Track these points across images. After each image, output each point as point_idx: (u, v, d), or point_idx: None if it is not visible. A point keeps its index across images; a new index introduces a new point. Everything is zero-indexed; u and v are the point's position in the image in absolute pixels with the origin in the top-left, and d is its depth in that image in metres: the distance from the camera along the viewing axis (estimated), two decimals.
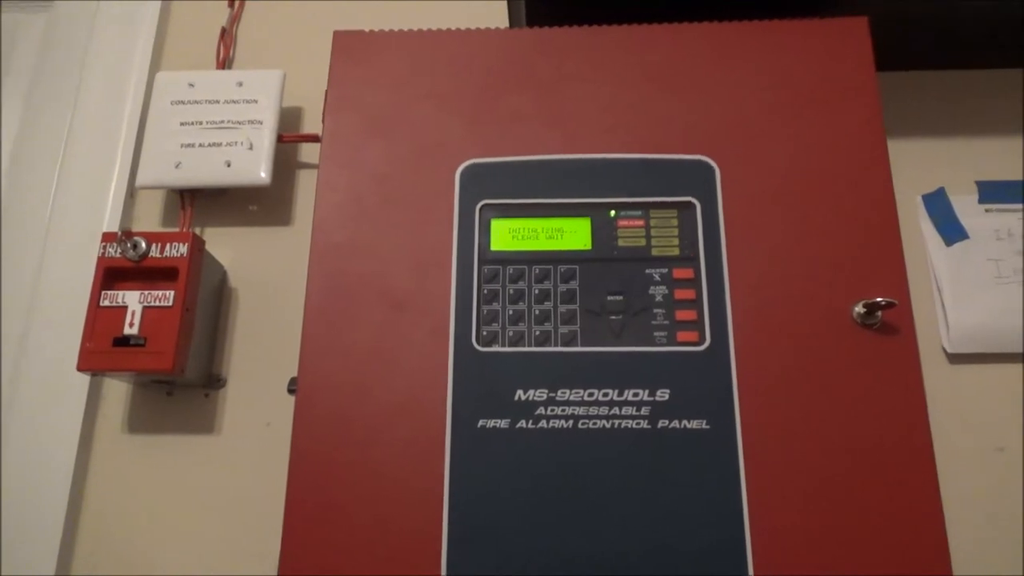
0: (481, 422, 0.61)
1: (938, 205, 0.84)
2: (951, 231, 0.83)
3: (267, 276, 0.86)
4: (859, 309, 0.62)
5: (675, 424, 0.61)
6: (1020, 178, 0.85)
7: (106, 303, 0.75)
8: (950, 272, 0.81)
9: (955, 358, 0.79)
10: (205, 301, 0.81)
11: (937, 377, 0.79)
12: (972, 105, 0.89)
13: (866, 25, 0.71)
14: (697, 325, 0.63)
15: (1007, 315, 0.79)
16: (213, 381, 0.82)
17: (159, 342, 0.73)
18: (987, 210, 0.84)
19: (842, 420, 0.61)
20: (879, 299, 0.61)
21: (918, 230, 0.85)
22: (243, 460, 0.80)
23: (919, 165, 0.87)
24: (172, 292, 0.75)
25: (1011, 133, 0.88)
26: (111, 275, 0.76)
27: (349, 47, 0.75)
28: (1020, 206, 0.84)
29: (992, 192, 0.84)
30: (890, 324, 0.63)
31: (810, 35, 0.72)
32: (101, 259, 0.76)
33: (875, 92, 0.69)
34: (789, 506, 0.58)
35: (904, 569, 0.57)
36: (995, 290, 0.80)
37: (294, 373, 0.65)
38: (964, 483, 0.75)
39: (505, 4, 0.83)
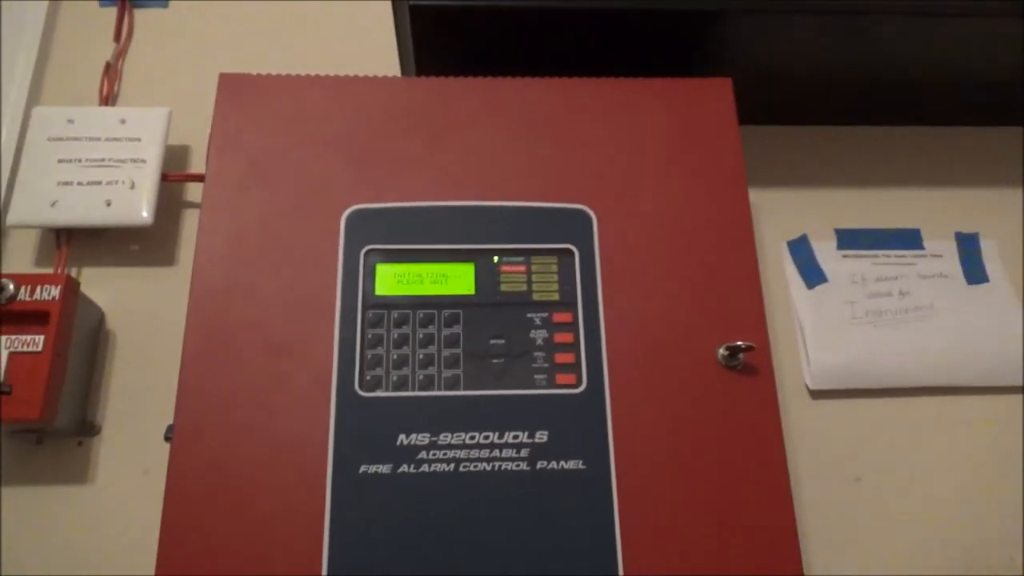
0: (363, 468, 0.62)
1: (801, 251, 0.91)
2: (812, 275, 0.89)
3: (148, 318, 0.84)
4: (723, 351, 0.66)
5: (553, 465, 0.63)
6: (873, 226, 0.93)
7: None
8: (811, 313, 0.87)
9: (816, 394, 0.85)
10: (79, 345, 0.78)
11: (800, 412, 0.84)
12: (834, 158, 0.97)
13: (730, 85, 0.77)
14: (575, 368, 0.66)
15: (860, 354, 0.85)
16: (87, 428, 0.79)
17: (26, 390, 0.70)
18: (844, 255, 0.91)
19: (708, 456, 0.64)
20: (740, 343, 0.65)
21: (784, 274, 0.91)
22: (119, 510, 0.77)
23: (786, 214, 0.93)
24: (42, 337, 0.72)
25: (867, 185, 0.96)
26: None
27: (235, 89, 0.75)
28: (873, 252, 0.91)
29: (849, 239, 0.92)
30: (751, 365, 0.67)
31: (679, 93, 0.77)
32: None
33: (738, 148, 0.75)
34: (659, 540, 0.61)
35: None
36: (850, 330, 0.86)
37: (172, 419, 0.64)
38: (824, 509, 0.80)
39: (396, 52, 0.85)
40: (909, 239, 0.92)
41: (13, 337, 0.72)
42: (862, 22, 0.81)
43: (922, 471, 0.83)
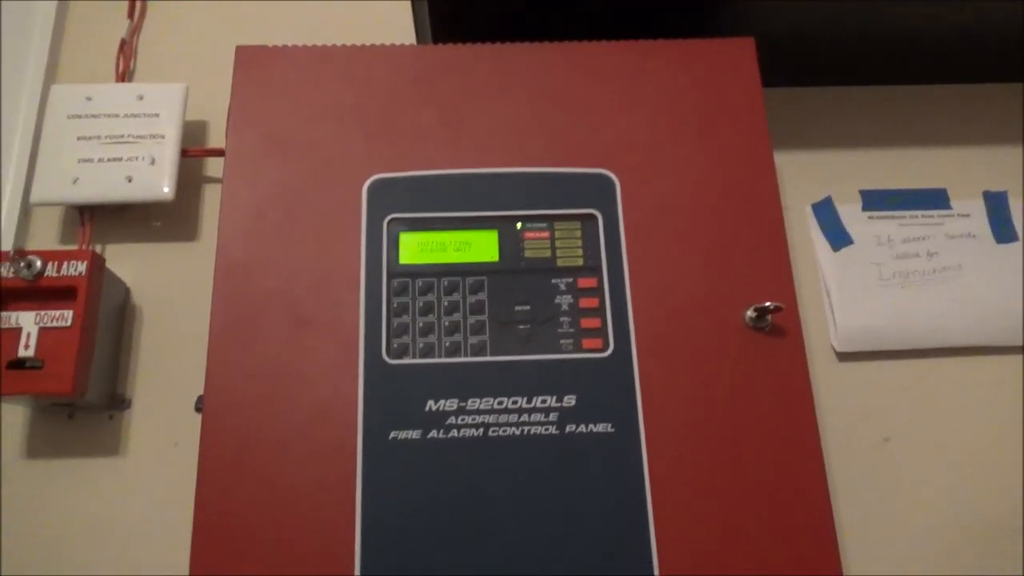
0: (392, 434, 0.62)
1: (826, 213, 0.90)
2: (837, 237, 0.88)
3: (172, 293, 0.84)
4: (750, 313, 0.66)
5: (582, 428, 0.63)
6: (899, 187, 0.92)
7: None
8: (837, 276, 0.86)
9: (843, 356, 0.84)
10: (107, 320, 0.78)
11: (827, 374, 0.84)
12: (858, 119, 0.95)
13: (752, 45, 0.76)
14: (601, 332, 0.66)
15: (888, 315, 0.84)
16: (117, 402, 0.80)
17: (58, 364, 0.71)
18: (870, 217, 0.90)
19: (737, 417, 0.64)
20: (768, 304, 0.65)
21: (809, 237, 0.90)
22: (150, 482, 0.78)
23: (811, 176, 0.92)
24: (70, 312, 0.72)
25: (892, 145, 0.94)
26: (4, 296, 0.73)
27: (252, 62, 0.75)
28: (899, 213, 0.90)
29: (874, 200, 0.90)
30: (779, 327, 0.67)
31: (701, 54, 0.76)
32: None
33: (761, 108, 0.74)
34: (690, 500, 0.61)
35: (796, 551, 0.60)
36: (877, 292, 0.85)
37: (201, 391, 0.64)
38: (855, 470, 0.80)
39: (411, 20, 0.84)
40: (936, 199, 0.91)
41: (42, 313, 0.72)
42: None
43: (950, 431, 0.83)
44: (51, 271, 0.73)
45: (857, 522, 0.78)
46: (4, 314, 0.72)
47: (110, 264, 0.80)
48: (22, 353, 0.71)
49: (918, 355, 0.85)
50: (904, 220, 0.90)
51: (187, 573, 0.58)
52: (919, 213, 0.90)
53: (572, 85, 0.75)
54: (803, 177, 0.92)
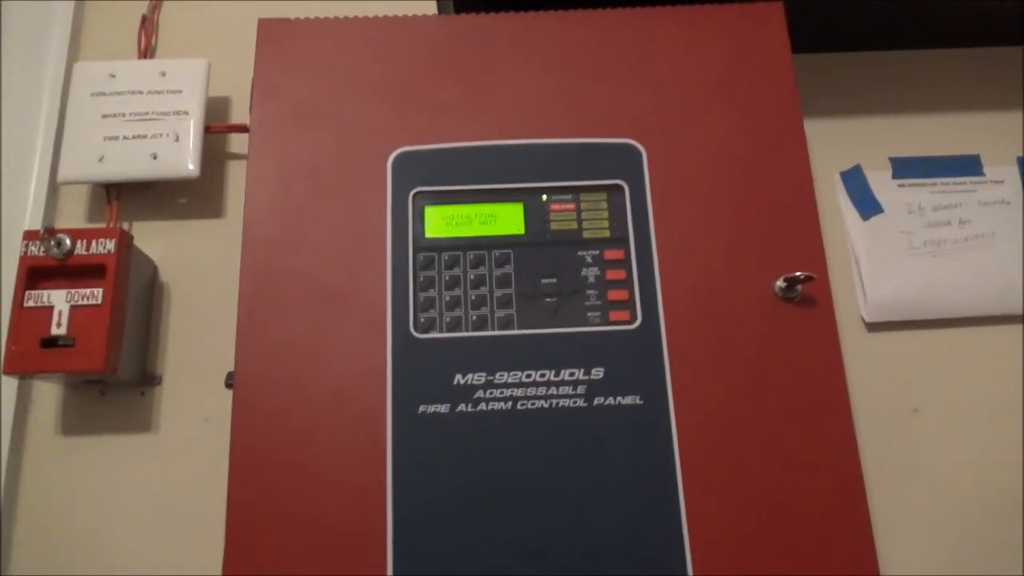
0: (422, 408, 0.62)
1: (855, 181, 0.88)
2: (867, 206, 0.87)
3: (200, 270, 0.85)
4: (780, 284, 0.65)
5: (610, 401, 0.63)
6: (930, 154, 0.90)
7: (31, 303, 0.73)
8: (866, 245, 0.85)
9: (873, 327, 0.83)
10: (136, 297, 0.79)
11: (856, 345, 0.83)
12: (887, 85, 0.93)
13: (781, 11, 0.74)
14: (628, 305, 0.65)
15: (919, 285, 0.83)
16: (148, 379, 0.80)
17: (89, 341, 0.72)
18: (900, 185, 0.88)
19: (767, 390, 0.64)
20: (798, 274, 0.64)
21: (837, 206, 0.88)
22: (182, 458, 0.79)
23: (838, 144, 0.90)
24: (100, 290, 0.73)
25: (922, 112, 0.92)
26: (35, 274, 0.74)
27: (274, 36, 0.74)
28: (930, 180, 0.88)
29: (904, 168, 0.89)
30: (809, 297, 0.66)
31: (728, 21, 0.74)
32: (24, 258, 0.74)
33: (791, 76, 0.72)
34: (719, 473, 0.61)
35: (827, 524, 0.60)
36: (908, 261, 0.84)
37: (231, 367, 0.64)
38: (884, 441, 0.80)
39: None
40: (968, 165, 0.89)
41: (73, 291, 0.73)
42: None
43: (981, 401, 0.82)
44: (80, 249, 0.74)
45: (886, 493, 0.78)
46: (35, 292, 0.73)
47: (137, 241, 0.80)
48: (54, 331, 0.72)
49: (949, 324, 0.84)
50: (935, 187, 0.88)
51: (221, 548, 0.59)
52: (951, 180, 0.89)
53: (596, 53, 0.73)
54: (831, 145, 0.90)
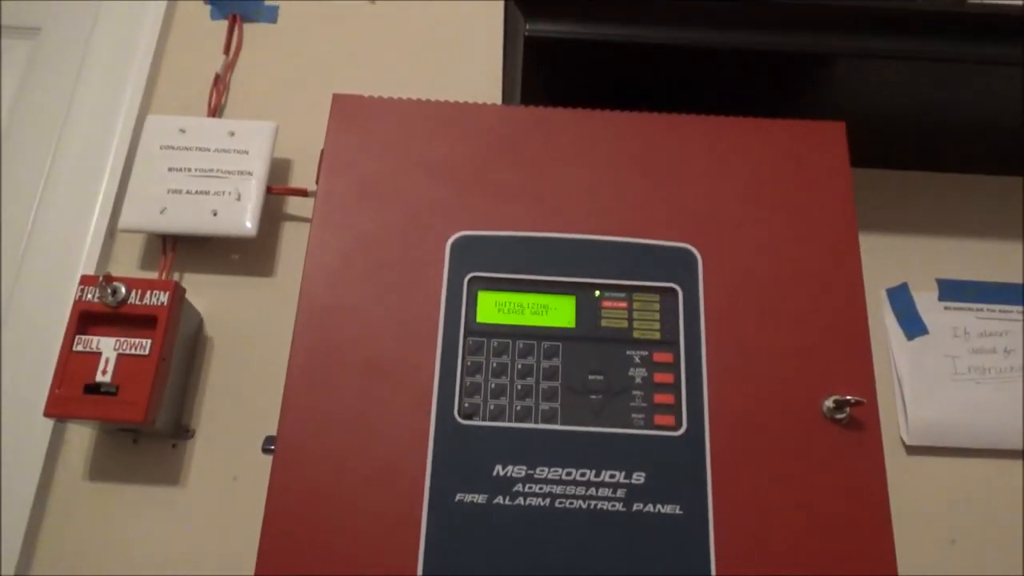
0: (459, 496, 0.62)
1: (901, 300, 0.88)
2: (912, 325, 0.87)
3: (244, 327, 0.86)
4: (829, 404, 0.65)
5: (649, 508, 0.62)
6: (978, 278, 0.90)
7: (79, 348, 0.74)
8: (910, 366, 0.84)
9: (912, 450, 0.82)
10: (179, 349, 0.80)
11: (894, 467, 0.81)
12: (937, 205, 0.94)
13: (843, 130, 0.75)
14: (674, 409, 0.65)
15: (962, 411, 0.82)
16: (182, 431, 0.81)
17: (132, 392, 0.72)
18: (946, 308, 0.88)
19: (809, 511, 0.62)
20: (849, 397, 0.63)
21: (881, 322, 0.88)
22: (207, 514, 0.78)
23: (884, 259, 0.91)
24: (149, 341, 0.74)
25: (972, 235, 0.93)
26: (86, 319, 0.75)
27: (346, 110, 0.77)
28: (977, 305, 0.88)
29: (951, 291, 0.89)
30: (857, 419, 0.65)
31: (791, 135, 0.76)
32: (78, 303, 0.75)
33: (849, 195, 0.73)
34: None
35: None
36: (951, 386, 0.83)
37: (265, 427, 0.64)
38: (917, 571, 0.78)
39: (500, 79, 0.85)
40: (1016, 294, 0.89)
41: (122, 339, 0.74)
42: (974, 71, 0.79)
43: (1017, 540, 0.80)
44: (134, 299, 0.75)
45: None
46: (85, 337, 0.74)
47: (187, 293, 0.81)
48: (99, 378, 0.73)
49: (991, 455, 0.82)
50: (982, 313, 0.88)
51: None
52: (997, 307, 0.89)
53: (658, 155, 0.75)
54: (878, 260, 0.90)
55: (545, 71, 0.79)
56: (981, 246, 0.92)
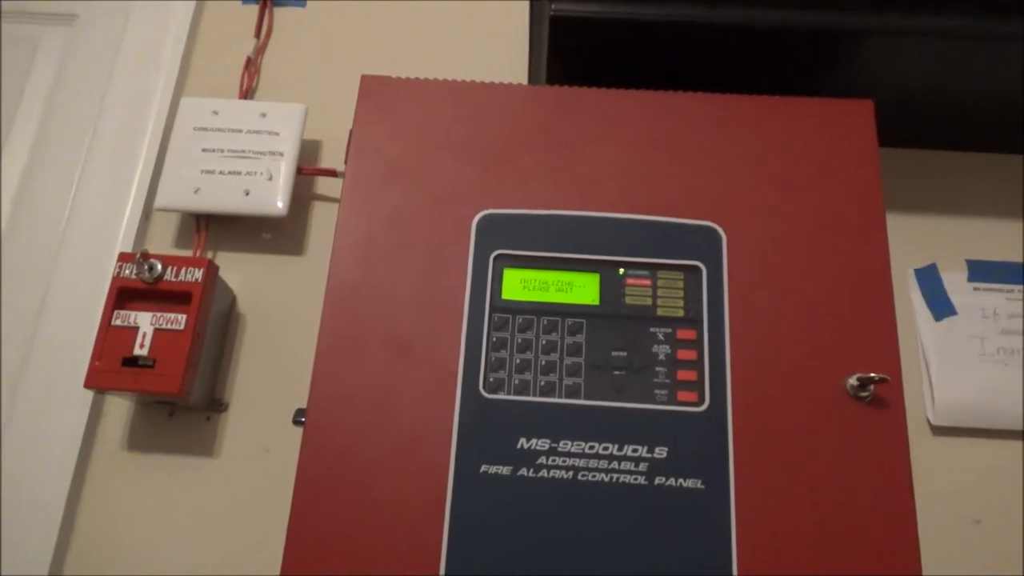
0: (483, 467, 0.63)
1: (929, 280, 0.88)
2: (940, 306, 0.86)
3: (275, 304, 0.87)
4: (852, 381, 0.65)
5: (671, 482, 0.63)
6: (1009, 259, 0.89)
7: (117, 322, 0.76)
8: (937, 346, 0.84)
9: (938, 430, 0.82)
10: (213, 325, 0.82)
11: (920, 447, 0.81)
12: (967, 186, 0.93)
13: (871, 108, 0.75)
14: (697, 386, 0.66)
15: (989, 392, 0.82)
16: (215, 405, 0.83)
17: (168, 365, 0.74)
18: (975, 288, 0.87)
19: (831, 488, 0.63)
20: (872, 374, 0.63)
21: (908, 302, 0.88)
22: (240, 484, 0.81)
23: (913, 239, 0.90)
24: (184, 316, 0.76)
25: (1003, 216, 0.92)
26: (124, 295, 0.77)
27: (374, 92, 0.78)
28: (1007, 286, 0.87)
29: (981, 271, 0.88)
30: (881, 398, 0.65)
31: (818, 113, 0.75)
32: (116, 279, 0.77)
33: (876, 174, 0.73)
34: (776, 568, 0.60)
35: None
36: (979, 367, 0.83)
37: (295, 401, 0.66)
38: (941, 552, 0.78)
39: (526, 59, 0.86)
40: None
41: (158, 315, 0.76)
42: (1005, 48, 0.78)
43: None
44: (170, 275, 0.77)
45: None
46: (123, 312, 0.76)
47: (220, 271, 0.84)
48: (136, 351, 0.75)
49: (1016, 436, 0.82)
50: (1012, 294, 0.87)
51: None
52: None
53: (684, 134, 0.75)
54: (907, 240, 0.90)
55: (571, 51, 0.79)
56: (1012, 227, 0.91)
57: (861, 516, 0.62)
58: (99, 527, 0.79)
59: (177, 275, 0.77)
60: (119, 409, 0.84)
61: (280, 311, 0.87)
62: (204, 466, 0.81)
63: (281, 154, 0.87)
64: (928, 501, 0.79)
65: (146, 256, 0.77)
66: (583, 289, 0.69)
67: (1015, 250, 0.90)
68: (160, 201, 0.86)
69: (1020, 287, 0.87)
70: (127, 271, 0.77)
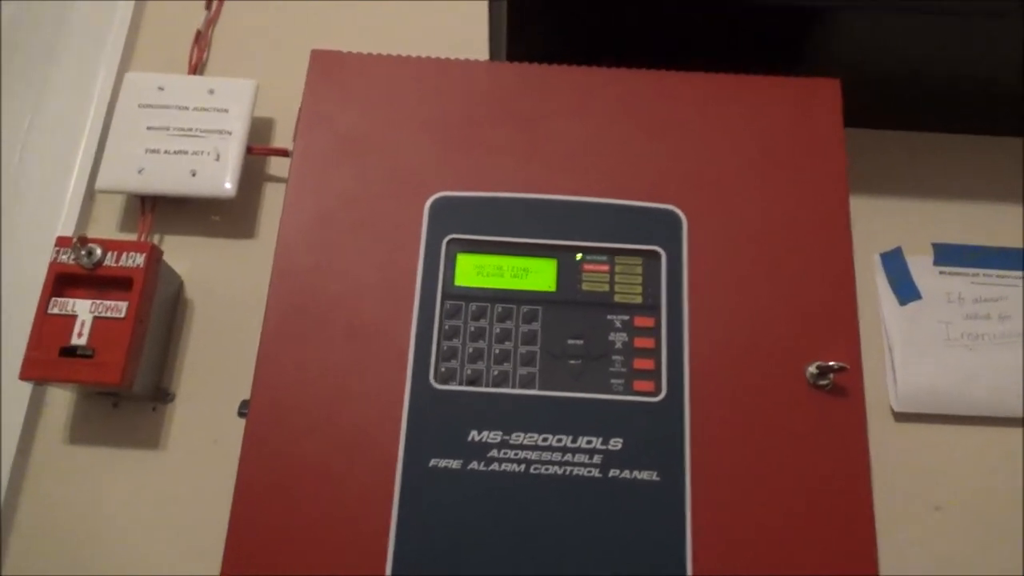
0: (433, 461, 0.61)
1: (894, 264, 0.86)
2: (905, 291, 0.85)
3: (225, 289, 0.84)
4: (812, 370, 0.63)
5: (625, 474, 0.61)
6: (975, 243, 0.88)
7: (55, 311, 0.73)
8: (901, 331, 0.83)
9: (901, 416, 0.81)
10: (158, 312, 0.79)
11: (882, 433, 0.80)
12: (934, 168, 0.92)
13: (838, 87, 0.73)
14: (654, 375, 0.64)
15: (953, 378, 0.81)
16: (161, 395, 0.80)
17: (108, 354, 0.71)
18: (941, 272, 0.86)
19: (788, 478, 0.62)
20: (832, 363, 0.62)
21: (874, 286, 0.86)
22: (188, 477, 0.78)
23: (879, 223, 0.89)
24: (125, 303, 0.73)
25: (970, 198, 0.90)
26: (62, 281, 0.74)
27: (326, 66, 0.75)
28: (972, 270, 0.86)
29: (947, 255, 0.87)
30: (840, 386, 0.64)
31: (784, 92, 0.73)
32: (53, 264, 0.74)
33: (842, 154, 0.71)
34: (732, 560, 0.59)
35: None
36: (943, 352, 0.82)
37: (245, 391, 0.64)
38: (900, 538, 0.77)
39: (486, 36, 0.83)
40: (1013, 259, 0.87)
41: (98, 302, 0.73)
42: (972, 25, 0.76)
43: (1007, 506, 0.79)
44: (110, 260, 0.74)
45: None
46: (61, 300, 0.73)
47: (166, 255, 0.80)
48: (75, 341, 0.72)
49: (981, 422, 0.81)
50: (977, 278, 0.86)
51: (216, 569, 0.58)
52: (994, 272, 0.86)
53: (646, 114, 0.73)
54: (874, 223, 0.88)
55: (530, 26, 0.76)
56: (979, 209, 0.90)
57: (817, 504, 0.61)
58: (40, 522, 0.76)
59: (118, 260, 0.74)
60: (61, 401, 0.80)
61: (230, 297, 0.84)
62: (150, 458, 0.79)
63: (230, 133, 0.84)
64: (889, 488, 0.78)
65: (84, 240, 0.73)
66: (539, 275, 0.67)
67: (981, 234, 0.89)
68: (102, 182, 0.82)
69: (985, 271, 0.86)
70: (64, 256, 0.74)
